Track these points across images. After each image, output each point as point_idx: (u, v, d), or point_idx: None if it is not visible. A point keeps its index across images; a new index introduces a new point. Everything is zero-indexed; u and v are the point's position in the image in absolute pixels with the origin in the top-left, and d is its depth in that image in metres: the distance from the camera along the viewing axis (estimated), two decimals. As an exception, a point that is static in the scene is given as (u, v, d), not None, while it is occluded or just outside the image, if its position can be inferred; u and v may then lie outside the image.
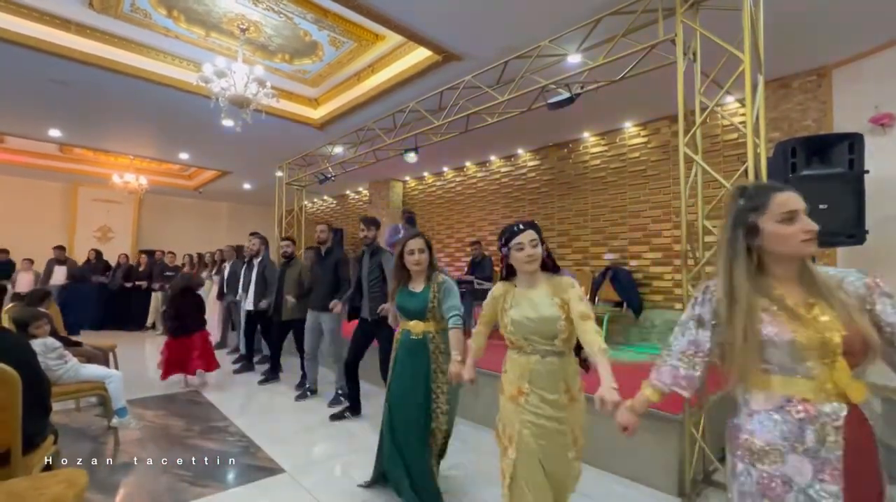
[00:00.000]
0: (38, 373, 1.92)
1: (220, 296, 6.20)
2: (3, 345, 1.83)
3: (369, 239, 3.41)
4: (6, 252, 7.84)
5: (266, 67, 4.63)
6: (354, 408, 3.60)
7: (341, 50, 4.47)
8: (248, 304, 5.12)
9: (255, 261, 5.15)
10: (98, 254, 8.66)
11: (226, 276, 6.05)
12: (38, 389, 1.83)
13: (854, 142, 2.64)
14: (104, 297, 8.33)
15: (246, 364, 5.25)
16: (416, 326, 2.24)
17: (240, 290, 5.43)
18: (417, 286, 2.28)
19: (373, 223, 3.45)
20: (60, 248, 7.99)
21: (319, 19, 3.89)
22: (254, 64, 4.15)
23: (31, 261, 7.83)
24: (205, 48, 4.41)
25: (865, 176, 2.70)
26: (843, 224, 2.62)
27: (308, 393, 4.16)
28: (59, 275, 7.80)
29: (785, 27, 3.27)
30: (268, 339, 5.14)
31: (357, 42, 4.31)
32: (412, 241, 2.25)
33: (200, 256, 7.77)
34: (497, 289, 1.77)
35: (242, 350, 5.56)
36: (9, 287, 7.46)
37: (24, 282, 7.54)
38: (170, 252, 8.46)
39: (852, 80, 3.74)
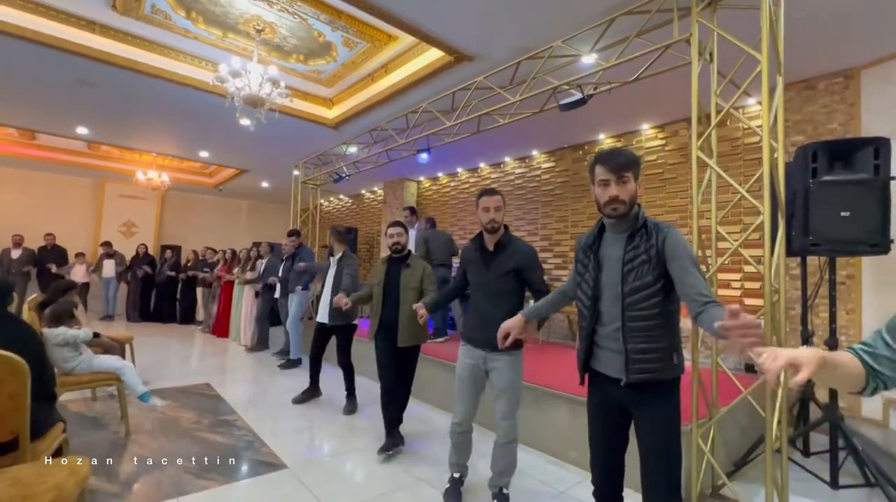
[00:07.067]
0: (44, 361, 1.99)
1: (259, 292, 6.13)
2: (17, 335, 1.90)
3: None
4: (52, 236, 8.37)
5: (281, 68, 4.70)
6: None
7: (355, 50, 4.50)
8: (323, 316, 3.85)
9: (332, 259, 4.03)
10: (145, 248, 9.17)
11: (261, 272, 6.09)
12: (43, 377, 1.89)
13: (880, 146, 2.51)
14: (152, 290, 8.81)
15: (311, 389, 4.02)
16: None
17: (277, 289, 5.63)
18: None
19: None
20: (108, 244, 8.81)
21: (332, 20, 3.92)
22: (269, 64, 4.21)
23: (84, 255, 8.59)
24: (223, 49, 4.50)
25: (892, 182, 2.57)
26: (867, 232, 2.50)
27: (395, 446, 2.94)
28: (109, 268, 8.62)
29: (811, 26, 3.15)
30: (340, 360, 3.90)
31: (370, 43, 4.34)
32: None
33: (234, 252, 7.90)
34: None
35: (294, 354, 5.21)
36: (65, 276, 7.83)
37: (78, 273, 8.24)
38: (209, 248, 8.69)
39: (883, 81, 3.57)
